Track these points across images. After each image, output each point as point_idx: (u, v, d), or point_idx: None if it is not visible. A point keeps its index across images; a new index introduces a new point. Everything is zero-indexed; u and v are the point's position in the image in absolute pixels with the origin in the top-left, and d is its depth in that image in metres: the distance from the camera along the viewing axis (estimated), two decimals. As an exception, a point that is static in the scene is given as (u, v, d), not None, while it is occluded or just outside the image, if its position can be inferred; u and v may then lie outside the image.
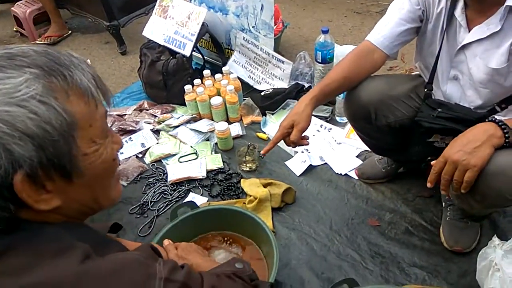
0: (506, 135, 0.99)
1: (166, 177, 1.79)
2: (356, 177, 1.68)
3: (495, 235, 1.16)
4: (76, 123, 0.54)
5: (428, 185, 1.07)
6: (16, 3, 3.10)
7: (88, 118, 0.56)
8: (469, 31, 1.11)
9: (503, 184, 0.99)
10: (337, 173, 1.71)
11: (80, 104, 0.55)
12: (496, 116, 1.05)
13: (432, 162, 1.05)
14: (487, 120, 1.04)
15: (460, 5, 1.12)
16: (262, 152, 1.40)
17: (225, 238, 1.39)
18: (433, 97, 1.28)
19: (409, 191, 1.57)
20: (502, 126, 1.00)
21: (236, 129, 2.00)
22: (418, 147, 1.27)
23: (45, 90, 0.51)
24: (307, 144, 1.35)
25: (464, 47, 1.13)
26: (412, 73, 1.40)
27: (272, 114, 2.07)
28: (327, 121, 1.98)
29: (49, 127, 0.51)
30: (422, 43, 1.29)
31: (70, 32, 3.15)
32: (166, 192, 1.73)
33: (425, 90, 1.28)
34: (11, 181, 0.50)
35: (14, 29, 3.24)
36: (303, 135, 1.30)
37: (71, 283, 0.50)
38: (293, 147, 1.38)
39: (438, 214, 1.47)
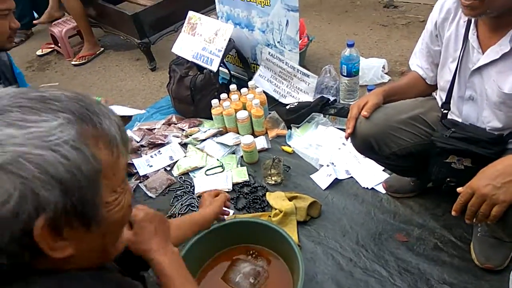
0: None
1: (194, 189, 1.83)
2: (383, 191, 1.66)
3: (528, 253, 1.12)
4: (102, 171, 0.54)
5: (453, 213, 1.05)
6: (53, 23, 3.27)
7: (112, 167, 0.56)
8: (483, 53, 1.11)
9: None
10: (364, 187, 1.70)
11: (107, 152, 0.55)
12: None
13: (459, 190, 1.04)
14: None
15: (472, 28, 1.12)
16: (346, 135, 1.42)
17: (251, 251, 1.41)
18: (449, 117, 1.27)
19: (438, 206, 1.54)
20: None
21: (261, 143, 2.03)
22: (436, 168, 1.26)
23: (77, 136, 0.51)
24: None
25: (479, 68, 1.13)
26: (423, 97, 1.41)
27: (297, 127, 2.08)
28: (352, 135, 1.98)
29: (78, 173, 0.51)
30: (439, 67, 1.31)
31: (102, 49, 3.29)
32: (193, 205, 1.77)
33: (442, 110, 1.28)
34: (32, 227, 0.49)
35: (39, 52, 3.37)
36: None
37: None
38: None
39: (468, 230, 1.43)
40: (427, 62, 1.38)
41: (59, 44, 3.23)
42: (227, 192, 1.79)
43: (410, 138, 1.33)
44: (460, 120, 1.26)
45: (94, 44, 3.22)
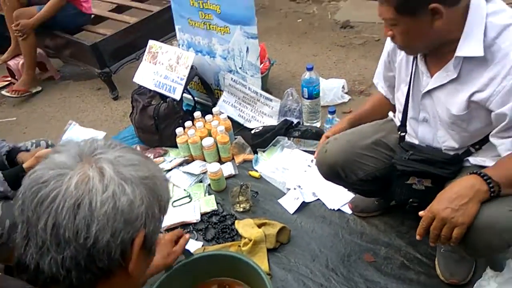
0: (492, 189, 1.01)
1: (161, 222, 1.79)
2: (349, 212, 1.69)
3: (488, 267, 1.16)
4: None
5: (418, 237, 1.08)
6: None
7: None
8: (432, 77, 1.16)
9: (491, 237, 1.01)
10: (330, 209, 1.72)
11: None
12: (482, 170, 1.07)
13: (420, 213, 1.07)
14: (469, 173, 1.06)
15: (420, 54, 1.18)
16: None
17: (223, 285, 1.38)
18: (406, 139, 1.32)
19: (402, 224, 1.58)
20: (487, 180, 1.01)
21: (228, 169, 2.02)
22: (398, 189, 1.30)
23: (165, 175, 0.70)
24: None
25: (429, 91, 1.18)
26: (382, 120, 1.48)
27: (263, 151, 2.09)
28: (317, 156, 2.01)
29: (167, 206, 0.67)
30: (395, 90, 1.36)
31: (40, 89, 3.11)
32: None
33: (399, 132, 1.32)
34: (136, 236, 0.61)
35: None
36: None
37: None
38: None
39: (432, 246, 1.47)
40: (385, 85, 1.44)
41: (16, 77, 3.13)
42: (195, 223, 1.77)
43: (374, 163, 1.37)
44: (417, 142, 1.30)
45: (31, 80, 3.05)
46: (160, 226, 0.66)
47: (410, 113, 1.29)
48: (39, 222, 0.57)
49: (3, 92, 3.05)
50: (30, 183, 0.60)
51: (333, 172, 1.42)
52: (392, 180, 1.33)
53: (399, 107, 1.34)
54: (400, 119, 1.33)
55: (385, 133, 1.40)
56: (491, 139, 1.11)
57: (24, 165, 1.50)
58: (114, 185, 0.59)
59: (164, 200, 0.65)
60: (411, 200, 1.28)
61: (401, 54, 1.27)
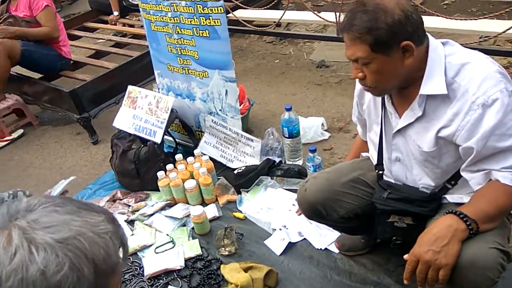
0: (470, 227, 1.02)
1: (143, 271, 1.73)
2: (337, 250, 1.67)
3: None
4: (117, 266, 0.63)
5: (405, 282, 1.08)
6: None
7: (120, 268, 0.65)
8: (400, 117, 1.20)
9: (475, 276, 1.01)
10: (318, 248, 1.70)
11: (122, 251, 0.65)
12: (458, 207, 1.08)
13: (405, 257, 1.07)
14: (445, 213, 1.07)
15: (386, 96, 1.22)
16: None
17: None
18: (384, 178, 1.34)
19: (389, 261, 1.57)
20: (464, 218, 1.03)
21: (212, 211, 1.99)
22: (381, 227, 1.30)
23: (114, 231, 0.63)
24: None
25: (399, 131, 1.22)
26: (359, 158, 1.53)
27: (247, 191, 2.08)
28: (301, 194, 2.01)
29: (108, 262, 0.60)
30: (367, 132, 1.41)
31: (22, 132, 3.08)
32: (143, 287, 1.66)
33: (377, 171, 1.35)
34: None
35: None
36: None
37: None
38: None
39: (421, 282, 1.46)
40: (360, 126, 1.49)
41: (-6, 122, 3.07)
42: (179, 269, 1.71)
43: (354, 200, 1.37)
44: (392, 181, 1.32)
45: None
46: (106, 282, 0.61)
47: (384, 153, 1.32)
48: None
49: None
50: None
51: (314, 210, 1.42)
52: (374, 218, 1.33)
53: (373, 147, 1.37)
54: (376, 158, 1.35)
55: (363, 171, 1.42)
56: (462, 173, 1.14)
57: None
58: (21, 254, 0.54)
59: (100, 257, 0.59)
60: (394, 238, 1.29)
61: (368, 97, 1.31)
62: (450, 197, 1.22)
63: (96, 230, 0.60)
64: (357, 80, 1.32)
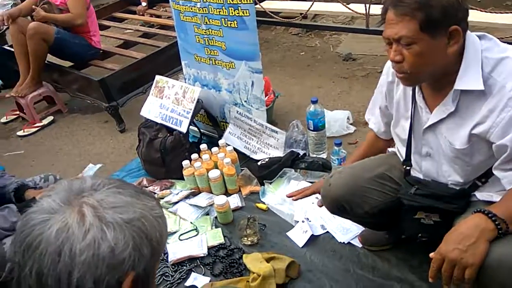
0: (498, 227, 0.99)
1: (167, 257, 1.77)
2: (360, 245, 1.66)
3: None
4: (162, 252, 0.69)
5: (430, 280, 1.06)
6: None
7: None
8: (431, 112, 1.17)
9: (504, 276, 0.98)
10: (340, 242, 1.69)
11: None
12: (487, 206, 1.05)
13: (431, 255, 1.05)
14: (474, 212, 1.05)
15: (417, 90, 1.19)
16: (288, 194, 1.61)
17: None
18: (411, 174, 1.31)
19: (414, 257, 1.55)
20: (493, 218, 1.00)
21: (235, 201, 2.01)
22: (407, 224, 1.28)
23: (164, 215, 0.68)
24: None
25: (430, 127, 1.18)
26: (388, 152, 1.48)
27: (270, 183, 2.09)
28: (325, 188, 2.00)
29: (161, 244, 0.65)
30: (392, 126, 1.37)
31: (52, 119, 3.16)
32: (167, 274, 1.70)
33: (404, 167, 1.32)
34: (124, 278, 0.59)
35: (3, 119, 3.30)
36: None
37: None
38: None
39: (446, 280, 1.43)
40: (382, 121, 1.43)
41: (24, 111, 3.18)
42: (203, 257, 1.74)
43: (379, 196, 1.36)
44: (421, 176, 1.29)
45: (36, 83, 3.12)
46: (155, 263, 0.66)
47: (412, 148, 1.29)
48: (25, 267, 0.59)
49: (18, 133, 3.11)
50: (20, 226, 0.61)
51: (338, 205, 1.41)
52: (400, 214, 1.31)
53: (400, 142, 1.34)
54: (404, 153, 1.33)
55: (388, 166, 1.40)
56: (495, 171, 1.11)
57: (37, 197, 1.51)
58: (94, 231, 0.58)
59: (155, 239, 0.63)
60: (420, 235, 1.27)
61: (398, 91, 1.27)
62: (480, 195, 1.19)
63: (153, 214, 0.64)
64: (387, 72, 1.30)
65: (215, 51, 2.22)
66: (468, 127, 1.09)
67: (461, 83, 1.06)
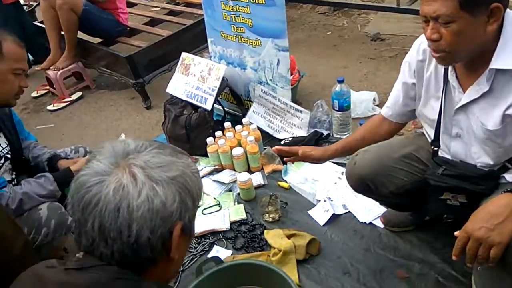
0: None
1: (191, 230, 1.82)
2: (381, 225, 1.66)
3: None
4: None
5: (454, 258, 1.05)
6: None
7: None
8: (464, 92, 1.14)
9: None
10: (362, 222, 1.70)
11: None
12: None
13: (456, 233, 1.04)
14: (503, 192, 1.03)
15: (450, 69, 1.15)
16: (274, 148, 1.61)
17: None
18: (439, 154, 1.29)
19: (437, 239, 1.54)
20: None
21: (257, 179, 2.03)
22: (432, 205, 1.27)
23: (198, 170, 0.77)
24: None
25: (463, 106, 1.15)
26: (415, 133, 1.43)
27: (293, 162, 2.09)
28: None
29: (199, 197, 0.73)
30: (420, 106, 1.32)
31: (81, 94, 3.26)
32: (190, 246, 1.75)
33: (432, 147, 1.30)
34: (174, 228, 0.67)
35: (34, 94, 3.40)
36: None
37: None
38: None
39: (469, 263, 1.42)
40: (401, 96, 1.36)
41: (54, 86, 3.27)
42: (225, 231, 1.78)
43: (406, 176, 1.35)
44: (449, 157, 1.27)
45: (73, 56, 3.21)
46: (195, 212, 0.74)
47: (442, 129, 1.26)
48: (87, 223, 0.66)
49: (48, 107, 3.22)
50: (76, 187, 0.68)
51: (362, 184, 1.41)
52: (425, 195, 1.30)
53: (428, 122, 1.31)
54: (432, 135, 1.30)
55: (416, 146, 1.38)
56: None
57: (72, 168, 1.59)
58: (147, 189, 0.65)
59: (196, 192, 0.71)
60: (445, 216, 1.26)
61: (429, 69, 1.24)
62: (509, 177, 1.16)
63: (191, 170, 0.72)
64: (417, 48, 1.26)
65: (241, 28, 2.21)
66: (502, 108, 1.06)
67: (497, 62, 1.03)
